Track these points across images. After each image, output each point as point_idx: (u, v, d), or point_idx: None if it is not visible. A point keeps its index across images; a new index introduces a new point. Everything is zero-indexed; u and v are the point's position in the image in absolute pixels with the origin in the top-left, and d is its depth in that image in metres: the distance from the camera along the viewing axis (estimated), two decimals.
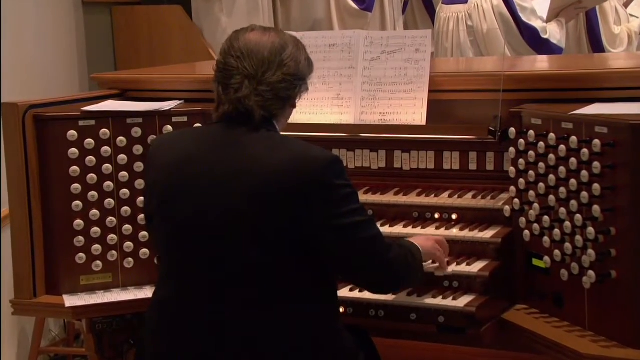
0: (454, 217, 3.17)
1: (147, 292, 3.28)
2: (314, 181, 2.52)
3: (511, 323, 2.94)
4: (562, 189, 2.80)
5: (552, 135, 2.85)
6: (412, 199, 3.24)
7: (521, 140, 2.97)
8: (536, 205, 2.92)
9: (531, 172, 2.94)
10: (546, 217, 2.88)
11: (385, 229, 3.12)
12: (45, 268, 3.33)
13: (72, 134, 3.30)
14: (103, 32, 5.94)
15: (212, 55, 5.57)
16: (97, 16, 5.90)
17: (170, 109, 3.42)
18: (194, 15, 5.86)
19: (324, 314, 2.65)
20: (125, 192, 3.34)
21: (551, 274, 2.90)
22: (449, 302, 2.90)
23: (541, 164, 2.89)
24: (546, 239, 2.88)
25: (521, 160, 2.98)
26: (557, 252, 2.85)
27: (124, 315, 3.38)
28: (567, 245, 2.80)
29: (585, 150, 2.72)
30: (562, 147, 2.80)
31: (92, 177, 3.31)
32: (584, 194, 2.72)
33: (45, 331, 4.84)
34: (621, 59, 4.59)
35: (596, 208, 2.69)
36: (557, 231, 2.84)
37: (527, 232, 2.97)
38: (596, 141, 2.69)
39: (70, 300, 3.27)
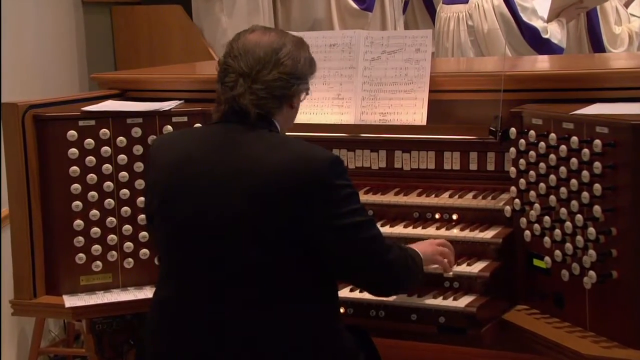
0: (454, 217, 3.17)
1: (147, 293, 3.28)
2: (315, 181, 2.52)
3: (512, 323, 2.94)
4: (563, 189, 2.80)
5: (552, 136, 2.85)
6: (413, 199, 3.23)
7: (522, 140, 2.97)
8: (537, 205, 2.91)
9: (532, 172, 2.93)
10: (547, 218, 2.88)
11: (386, 229, 3.12)
12: (45, 268, 3.33)
13: (72, 134, 3.30)
14: (103, 32, 5.94)
15: (212, 55, 5.57)
16: (97, 16, 5.90)
17: (170, 109, 3.42)
18: (194, 15, 5.86)
19: (324, 314, 2.65)
20: (125, 192, 3.34)
21: (552, 275, 2.90)
22: (450, 303, 2.90)
23: (542, 164, 2.88)
24: (547, 239, 2.88)
25: (522, 161, 2.98)
26: (557, 252, 2.84)
27: (124, 316, 3.38)
28: (568, 245, 2.79)
29: (586, 151, 2.72)
30: (563, 147, 2.80)
31: (92, 177, 3.31)
32: (585, 194, 2.72)
33: (45, 331, 4.84)
34: (622, 59, 4.59)
35: (597, 208, 2.68)
36: (557, 231, 2.83)
37: (527, 232, 2.96)
38: (597, 141, 2.69)
39: (70, 301, 3.27)
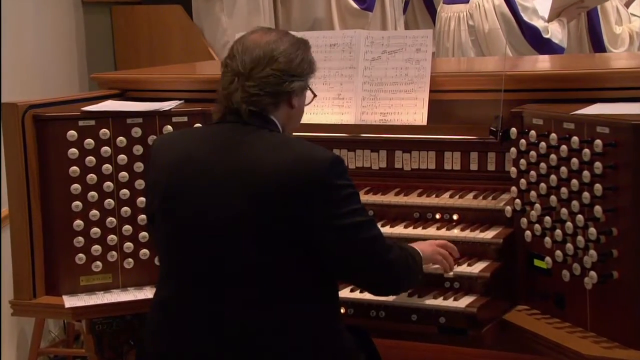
0: (455, 217, 3.17)
1: (147, 293, 3.27)
2: (315, 181, 2.52)
3: (512, 324, 2.94)
4: (564, 189, 2.80)
5: (553, 136, 2.84)
6: (413, 199, 3.23)
7: (522, 141, 2.97)
8: (537, 205, 2.91)
9: (532, 173, 2.93)
10: (547, 218, 2.88)
11: (386, 230, 3.12)
12: (45, 268, 3.32)
13: (72, 134, 3.30)
14: (103, 32, 5.94)
15: (212, 55, 5.57)
16: (97, 16, 5.89)
17: (170, 109, 3.42)
18: (195, 15, 5.86)
19: (325, 314, 2.65)
20: (125, 193, 3.33)
21: (552, 275, 2.90)
22: (450, 303, 2.90)
23: (542, 164, 2.88)
24: (547, 239, 2.87)
25: (522, 161, 2.98)
26: (558, 252, 2.84)
27: (123, 316, 3.37)
28: (569, 245, 2.79)
29: (586, 151, 2.72)
30: (564, 147, 2.79)
31: (92, 178, 3.31)
32: (586, 194, 2.71)
33: (44, 332, 4.84)
34: (622, 58, 4.58)
35: (598, 208, 2.68)
36: (558, 232, 2.83)
37: (528, 232, 2.96)
38: (598, 141, 2.68)
39: (70, 301, 3.26)
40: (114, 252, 3.34)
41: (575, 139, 2.76)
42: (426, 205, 3.21)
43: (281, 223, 2.51)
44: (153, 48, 5.82)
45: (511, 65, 3.71)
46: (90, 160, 3.30)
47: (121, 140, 3.33)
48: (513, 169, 3.02)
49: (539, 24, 5.30)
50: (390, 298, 2.95)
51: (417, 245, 2.88)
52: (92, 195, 3.31)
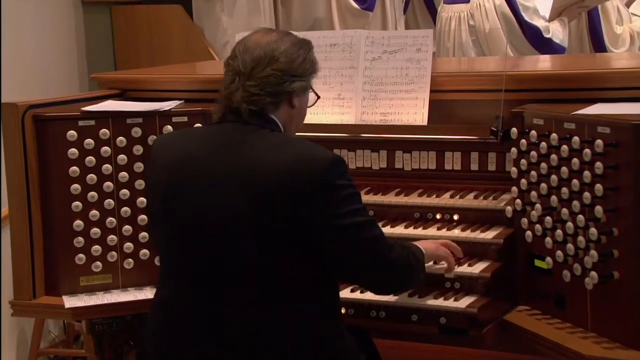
0: (455, 217, 3.17)
1: (147, 293, 3.27)
2: (316, 181, 2.51)
3: (513, 324, 2.93)
4: (564, 190, 2.79)
5: (554, 136, 2.84)
6: (414, 199, 3.23)
7: (523, 141, 2.96)
8: (538, 205, 2.91)
9: (533, 173, 2.92)
10: (548, 218, 2.87)
11: (387, 230, 3.11)
12: (45, 269, 3.32)
13: (72, 134, 3.29)
14: (103, 32, 5.93)
15: (213, 55, 5.56)
16: (97, 16, 5.89)
17: (170, 109, 3.41)
18: (195, 15, 5.85)
19: (325, 314, 2.64)
20: (125, 193, 3.33)
21: (553, 275, 2.89)
22: (451, 303, 2.90)
23: (543, 165, 2.88)
24: (548, 239, 2.87)
25: (523, 161, 2.97)
26: (559, 252, 2.83)
27: (123, 317, 3.37)
28: (570, 246, 2.79)
29: (587, 151, 2.71)
30: (564, 147, 2.79)
31: (91, 178, 3.30)
32: (586, 194, 2.71)
33: (44, 332, 4.84)
34: (623, 58, 4.58)
35: (598, 209, 2.68)
36: (559, 232, 2.83)
37: (529, 232, 2.96)
38: (598, 141, 2.68)
39: (70, 301, 3.26)
40: (114, 253, 3.33)
41: (576, 139, 2.76)
42: (427, 205, 3.20)
43: (281, 223, 2.51)
44: (153, 48, 5.81)
45: (512, 65, 3.70)
46: (90, 160, 3.30)
47: (121, 140, 3.33)
48: (514, 169, 3.02)
49: (539, 23, 5.30)
50: (391, 298, 2.95)
51: (420, 243, 2.88)
52: (92, 195, 3.30)
